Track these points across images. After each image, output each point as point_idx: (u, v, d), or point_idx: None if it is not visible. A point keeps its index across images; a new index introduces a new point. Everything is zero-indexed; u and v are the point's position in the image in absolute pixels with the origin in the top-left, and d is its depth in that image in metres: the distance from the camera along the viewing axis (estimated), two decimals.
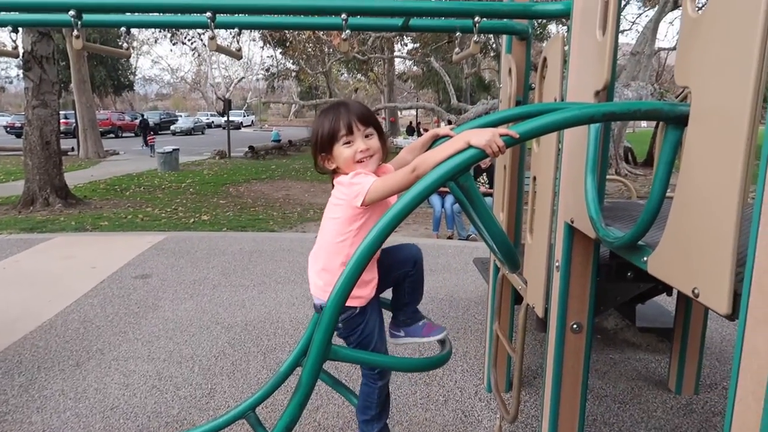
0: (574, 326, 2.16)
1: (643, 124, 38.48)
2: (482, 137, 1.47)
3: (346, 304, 1.79)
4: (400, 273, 2.07)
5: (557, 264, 2.17)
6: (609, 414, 3.12)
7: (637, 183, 13.44)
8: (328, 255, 1.94)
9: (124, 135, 33.89)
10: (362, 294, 1.94)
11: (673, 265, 1.39)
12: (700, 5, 1.39)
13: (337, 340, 1.94)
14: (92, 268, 5.88)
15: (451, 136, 1.70)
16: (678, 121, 1.36)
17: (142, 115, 32.40)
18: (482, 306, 4.79)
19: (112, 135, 32.68)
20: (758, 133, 1.19)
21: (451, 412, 3.11)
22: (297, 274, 5.75)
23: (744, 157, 1.15)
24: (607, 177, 2.41)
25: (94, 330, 4.23)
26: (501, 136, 1.46)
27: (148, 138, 25.55)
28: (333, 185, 2.00)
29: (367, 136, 1.91)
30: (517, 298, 3.13)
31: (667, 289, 3.36)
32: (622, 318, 4.27)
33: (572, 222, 2.03)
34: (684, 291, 1.34)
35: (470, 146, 1.48)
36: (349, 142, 1.89)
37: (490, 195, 3.91)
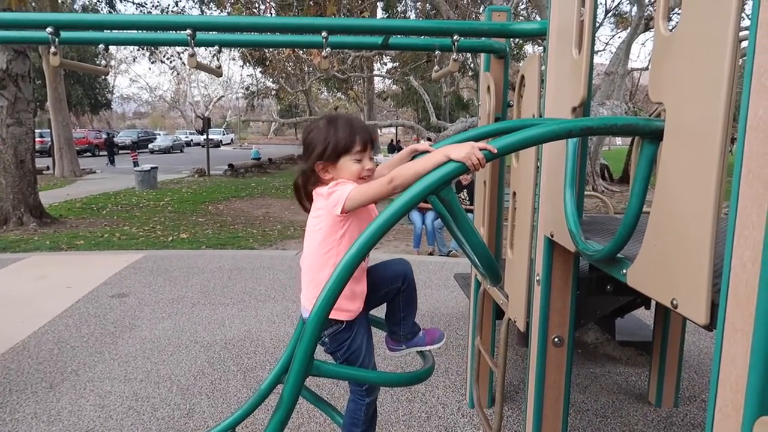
0: (556, 339, 2.17)
1: (618, 141, 39.17)
2: (461, 151, 1.50)
3: (334, 318, 1.78)
4: (390, 289, 2.07)
5: (538, 278, 2.19)
6: (591, 428, 3.13)
7: (613, 199, 13.64)
8: (314, 268, 1.93)
9: (101, 153, 33.40)
10: (351, 308, 1.93)
11: (651, 277, 1.42)
12: (672, 25, 1.43)
13: (323, 356, 1.92)
14: (67, 288, 5.77)
15: (430, 152, 1.72)
16: (653, 135, 1.39)
17: (108, 133, 31.79)
18: (463, 321, 4.80)
19: (88, 153, 32.22)
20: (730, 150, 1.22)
21: (434, 429, 3.09)
22: (277, 292, 5.70)
23: (717, 170, 1.18)
24: (585, 193, 2.45)
25: (69, 351, 4.13)
26: (480, 150, 1.48)
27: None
28: (304, 199, 2.00)
29: (371, 158, 1.95)
30: (499, 313, 3.14)
31: (646, 303, 3.40)
32: (602, 332, 4.30)
33: (552, 236, 2.05)
34: (663, 302, 1.36)
35: (450, 160, 1.50)
36: (359, 159, 1.90)
37: (471, 212, 3.95)
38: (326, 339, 1.96)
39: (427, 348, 2.14)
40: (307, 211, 2.01)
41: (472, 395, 3.20)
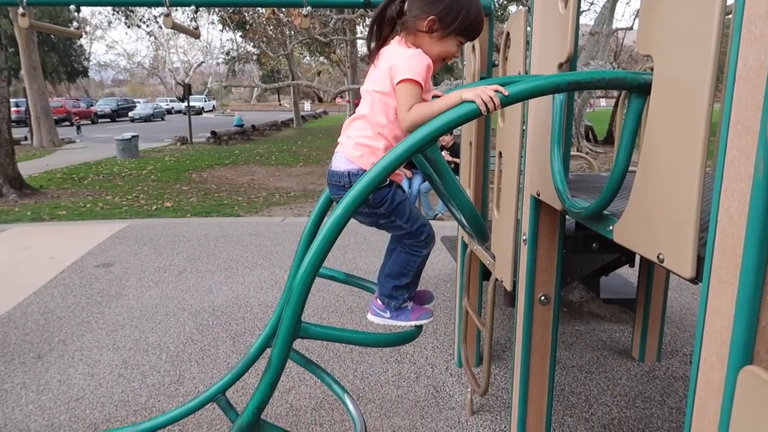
0: (542, 298, 2.19)
1: (603, 102, 39.14)
2: (473, 91, 1.45)
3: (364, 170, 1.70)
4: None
5: (524, 237, 2.20)
6: (576, 383, 3.20)
7: (597, 160, 13.70)
8: (365, 129, 1.76)
9: (80, 123, 32.74)
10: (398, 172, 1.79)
11: (638, 233, 1.42)
12: None
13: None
14: (51, 259, 5.71)
15: (439, 96, 1.67)
16: (641, 89, 1.37)
17: (17, 103, 28.16)
18: (451, 284, 4.83)
19: (67, 123, 31.52)
20: (713, 111, 1.21)
21: (423, 388, 3.14)
22: (264, 258, 5.69)
23: (705, 123, 1.17)
24: (570, 153, 2.44)
25: (56, 321, 4.11)
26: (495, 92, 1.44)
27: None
28: (375, 36, 1.81)
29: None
30: (486, 274, 3.16)
31: (630, 261, 3.44)
32: (587, 290, 4.37)
33: (538, 195, 2.05)
34: (649, 257, 1.36)
35: (463, 101, 1.46)
36: (460, 44, 1.78)
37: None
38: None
39: (409, 323, 2.01)
40: (370, 51, 1.84)
41: (460, 355, 3.24)
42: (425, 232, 1.85)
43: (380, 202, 1.79)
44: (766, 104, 0.97)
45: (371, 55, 1.82)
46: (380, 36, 1.79)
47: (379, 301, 1.96)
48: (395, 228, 1.87)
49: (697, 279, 1.23)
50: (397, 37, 1.78)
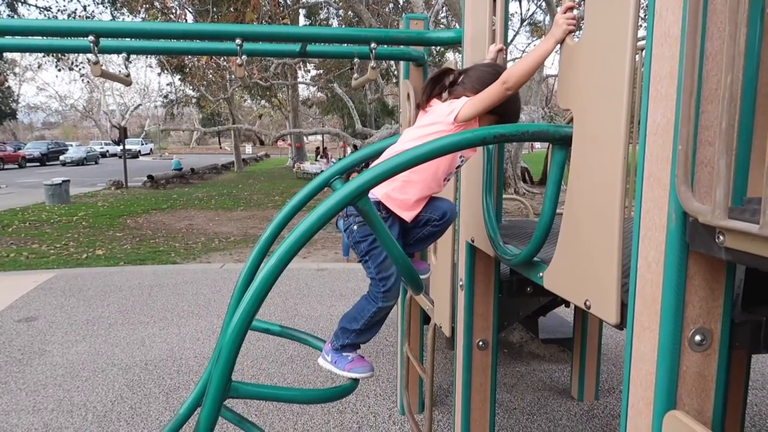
0: (480, 343, 2.20)
1: (538, 145, 40.80)
2: (558, 28, 1.51)
3: (383, 204, 1.70)
4: (422, 217, 1.88)
5: (461, 283, 2.22)
6: (518, 426, 3.20)
7: (534, 201, 14.16)
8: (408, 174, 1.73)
9: (5, 167, 31.22)
10: (406, 215, 1.79)
11: (566, 280, 1.45)
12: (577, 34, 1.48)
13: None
14: None
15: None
16: (563, 141, 1.43)
17: None
18: (393, 328, 4.80)
19: None
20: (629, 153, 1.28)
21: None
22: (201, 307, 5.50)
23: (621, 173, 1.23)
24: (506, 196, 2.51)
25: None
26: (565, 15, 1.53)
27: None
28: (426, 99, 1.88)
29: None
30: (426, 319, 3.16)
31: (566, 301, 3.53)
32: (527, 331, 4.43)
33: (473, 241, 2.08)
34: (577, 303, 1.39)
35: (557, 42, 1.52)
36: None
37: None
38: (354, 226, 1.81)
39: (342, 374, 1.95)
40: (418, 103, 1.91)
41: (403, 402, 3.20)
42: (387, 285, 1.86)
43: (362, 239, 1.82)
44: (674, 157, 1.03)
45: (419, 106, 1.90)
46: (431, 93, 1.87)
47: (329, 343, 1.94)
48: (366, 268, 1.89)
49: (622, 325, 1.26)
50: (444, 97, 1.86)
